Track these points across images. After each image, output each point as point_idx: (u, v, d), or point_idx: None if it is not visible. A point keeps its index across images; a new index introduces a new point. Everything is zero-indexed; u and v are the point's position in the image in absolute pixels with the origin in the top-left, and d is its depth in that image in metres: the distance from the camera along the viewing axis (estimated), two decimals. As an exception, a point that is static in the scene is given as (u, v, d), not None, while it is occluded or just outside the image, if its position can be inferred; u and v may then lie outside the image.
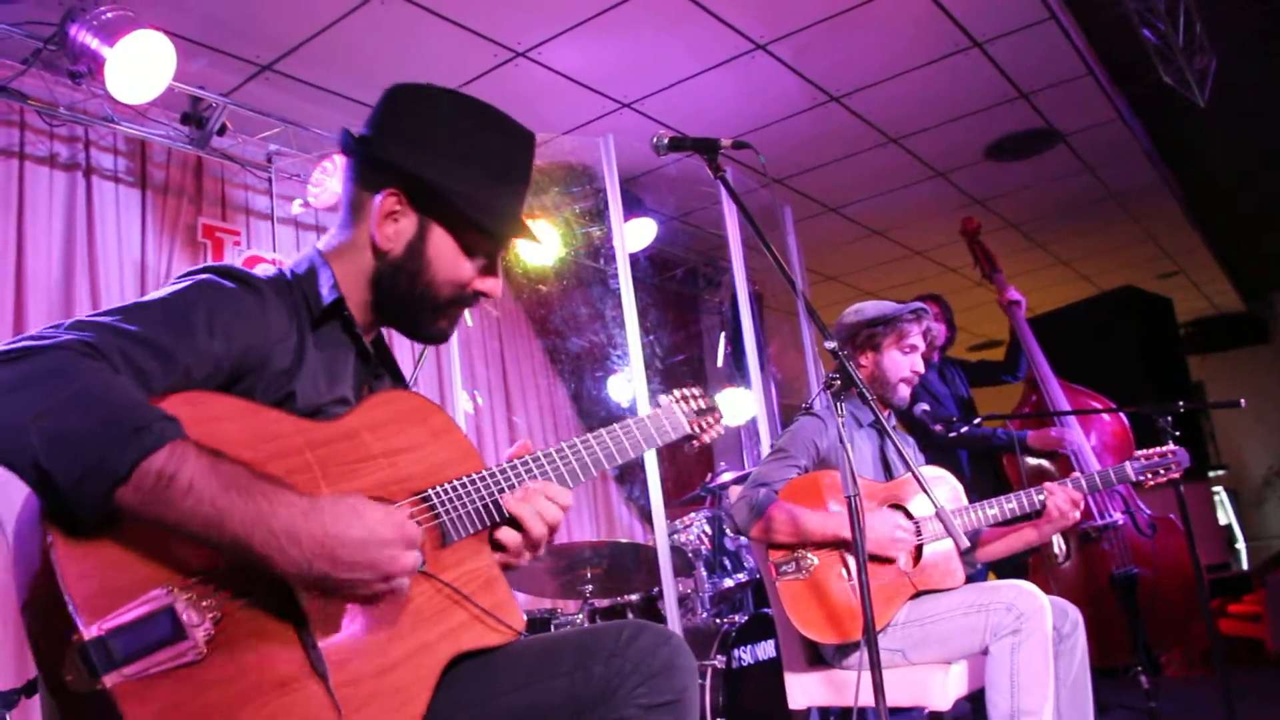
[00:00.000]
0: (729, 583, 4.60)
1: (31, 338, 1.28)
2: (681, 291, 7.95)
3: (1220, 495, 11.22)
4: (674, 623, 3.76)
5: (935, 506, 2.26)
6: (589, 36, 4.75)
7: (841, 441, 2.27)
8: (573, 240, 6.27)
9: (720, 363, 7.04)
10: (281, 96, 4.94)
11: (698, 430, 2.04)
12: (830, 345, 2.31)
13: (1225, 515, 11.22)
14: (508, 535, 1.67)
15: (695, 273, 7.90)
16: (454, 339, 3.84)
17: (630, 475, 6.67)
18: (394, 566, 1.35)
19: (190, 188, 4.98)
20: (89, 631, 1.18)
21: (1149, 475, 3.17)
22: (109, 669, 1.17)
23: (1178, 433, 3.49)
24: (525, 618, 1.72)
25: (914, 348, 3.30)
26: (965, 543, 2.32)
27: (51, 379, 1.22)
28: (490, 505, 1.64)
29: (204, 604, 1.27)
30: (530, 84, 5.11)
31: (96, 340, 1.30)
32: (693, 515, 4.71)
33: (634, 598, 4.47)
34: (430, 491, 1.58)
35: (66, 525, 1.21)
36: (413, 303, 1.69)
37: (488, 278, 1.74)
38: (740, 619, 4.09)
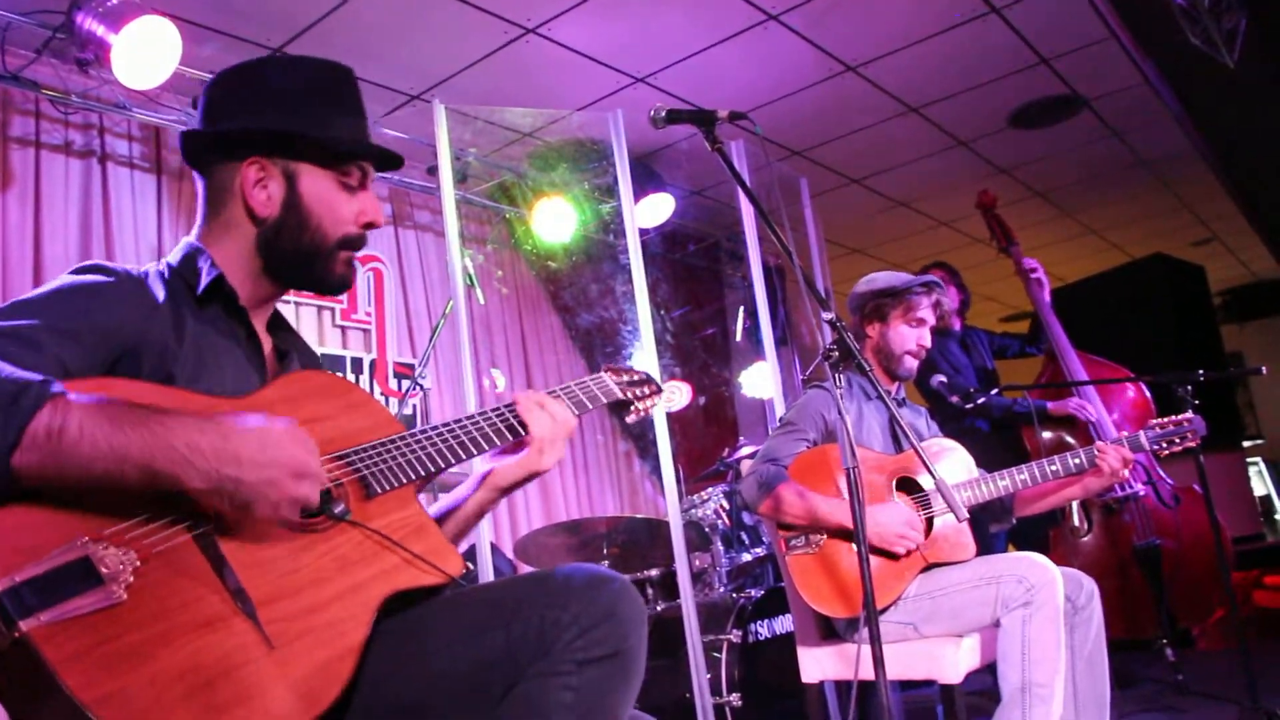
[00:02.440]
0: (747, 557, 4.60)
1: None
2: (706, 266, 7.92)
3: (1259, 466, 11.05)
4: (687, 598, 3.76)
5: (935, 480, 2.23)
6: (600, 11, 4.71)
7: (840, 414, 2.24)
8: (591, 216, 6.26)
9: (739, 337, 7.01)
10: (294, 79, 4.94)
11: (630, 397, 2.08)
12: (828, 316, 2.29)
13: (1264, 486, 11.05)
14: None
15: (718, 247, 7.86)
16: (464, 318, 3.83)
17: (651, 450, 6.67)
18: (298, 459, 1.37)
19: (206, 172, 5.00)
20: (2, 583, 1.18)
21: (1164, 444, 3.12)
22: (24, 615, 1.18)
23: (1197, 402, 3.43)
24: (465, 563, 1.66)
25: (921, 321, 3.26)
26: (964, 515, 2.29)
27: None
28: (415, 460, 1.64)
29: (122, 553, 1.28)
30: (542, 61, 5.07)
31: None
32: (710, 490, 4.71)
33: (653, 573, 4.47)
34: (348, 450, 1.58)
35: None
36: (306, 255, 1.70)
37: (367, 208, 1.73)
38: (757, 593, 4.08)
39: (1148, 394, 4.99)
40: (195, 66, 4.50)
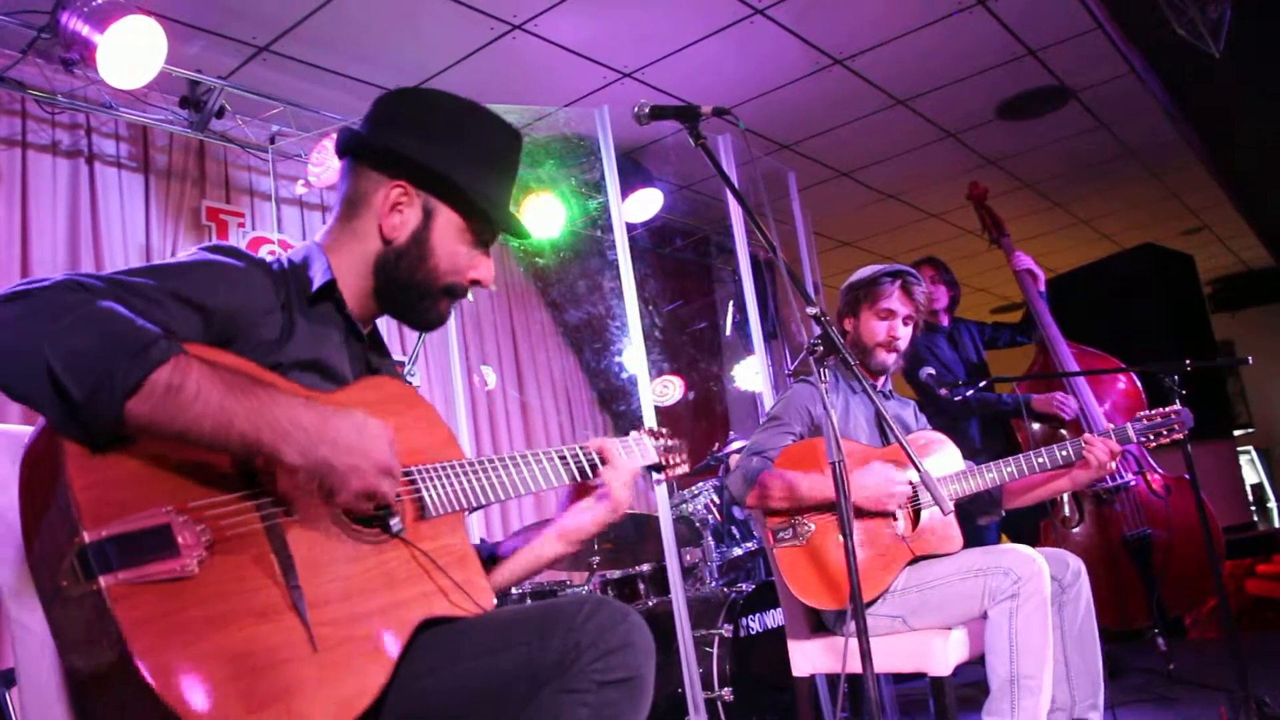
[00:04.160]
0: (738, 552, 4.60)
1: (30, 281, 1.36)
2: (695, 261, 7.92)
3: (1250, 454, 11.08)
4: (678, 593, 3.76)
5: (920, 472, 2.24)
6: (586, 6, 4.70)
7: (825, 408, 2.24)
8: (579, 212, 6.25)
9: (728, 332, 7.01)
10: (280, 77, 4.93)
11: (666, 462, 2.17)
12: (811, 310, 2.29)
13: (1255, 474, 11.08)
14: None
15: (707, 242, 7.86)
16: (452, 317, 3.84)
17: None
18: (385, 458, 1.46)
19: (193, 171, 5.00)
20: (90, 535, 1.24)
21: (1151, 436, 3.12)
22: (105, 571, 1.24)
23: (1184, 391, 3.43)
24: (494, 600, 1.75)
25: (890, 313, 3.22)
26: (949, 507, 2.29)
27: (58, 305, 1.31)
28: (473, 489, 1.74)
29: (200, 529, 1.34)
30: (529, 57, 5.07)
31: (91, 281, 1.39)
32: (700, 485, 4.71)
33: (645, 568, 4.47)
34: (413, 469, 1.67)
35: (78, 441, 1.30)
36: (413, 289, 1.78)
37: (482, 267, 1.83)
38: (748, 588, 4.08)
39: (1138, 384, 5.00)
40: (181, 65, 4.50)
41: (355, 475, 1.43)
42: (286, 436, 1.37)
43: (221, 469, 1.41)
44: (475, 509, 1.78)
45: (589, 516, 1.96)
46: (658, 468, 2.17)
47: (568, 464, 1.91)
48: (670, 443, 2.20)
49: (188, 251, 1.62)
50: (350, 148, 1.80)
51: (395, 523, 1.57)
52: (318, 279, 1.72)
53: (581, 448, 1.96)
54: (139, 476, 1.33)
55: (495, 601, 1.71)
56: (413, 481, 1.65)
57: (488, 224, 1.80)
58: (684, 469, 2.23)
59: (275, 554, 1.42)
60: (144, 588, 1.26)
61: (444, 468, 1.71)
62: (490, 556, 1.99)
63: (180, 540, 1.31)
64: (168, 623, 1.26)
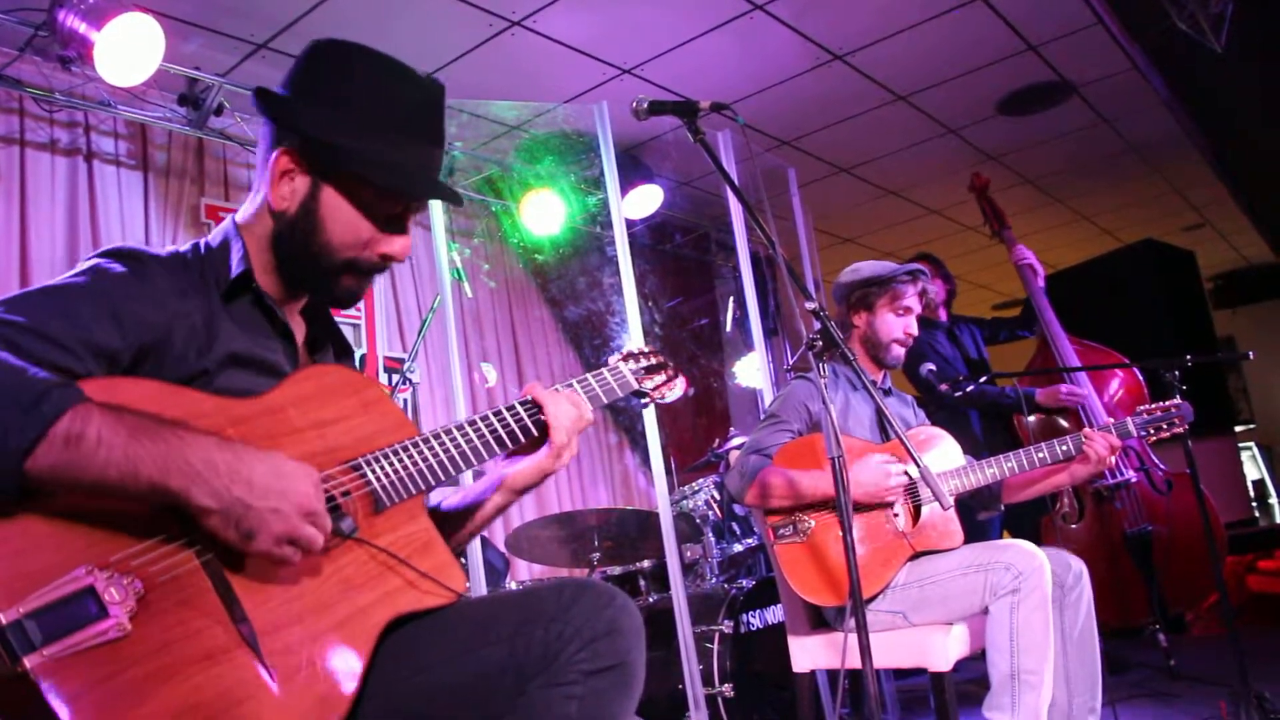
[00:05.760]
0: (738, 548, 4.60)
1: None
2: (695, 257, 7.90)
3: (1252, 450, 11.07)
4: (678, 589, 3.76)
5: (920, 467, 2.23)
6: (585, 2, 4.69)
7: (825, 403, 2.24)
8: (579, 209, 6.25)
9: (729, 328, 7.00)
10: (279, 74, 4.78)
11: (646, 388, 2.02)
12: (811, 306, 2.28)
13: (1257, 470, 11.07)
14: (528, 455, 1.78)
15: (707, 238, 7.85)
16: (451, 313, 3.83)
17: (642, 442, 6.68)
18: (308, 500, 1.35)
19: (192, 169, 5.00)
20: (6, 615, 1.16)
21: (1151, 430, 3.12)
22: (28, 651, 1.16)
23: (1184, 387, 3.42)
24: (467, 580, 1.65)
25: (908, 310, 3.25)
26: (949, 502, 2.29)
27: None
28: (426, 470, 1.60)
29: (126, 581, 1.26)
30: (528, 53, 5.06)
31: None
32: (701, 481, 4.71)
33: (645, 565, 4.47)
34: (360, 460, 1.54)
35: None
36: (309, 264, 1.63)
37: (393, 239, 1.65)
38: (748, 584, 4.08)
39: (1140, 378, 4.99)
40: (179, 63, 4.49)
41: (275, 517, 1.32)
42: (199, 477, 1.28)
43: (141, 513, 1.31)
44: (432, 489, 1.65)
45: (532, 462, 1.77)
46: (639, 394, 2.01)
47: (513, 431, 1.73)
48: (651, 362, 2.03)
49: (84, 264, 1.50)
50: (258, 108, 1.65)
51: (347, 524, 1.47)
52: (233, 268, 1.61)
53: (520, 403, 1.75)
54: (52, 539, 1.24)
55: (467, 581, 1.62)
56: (361, 475, 1.53)
57: (389, 192, 1.61)
58: (673, 391, 2.06)
59: (216, 590, 1.33)
60: (75, 658, 1.19)
61: (391, 451, 1.57)
62: (433, 511, 1.84)
63: (107, 598, 1.23)
64: (107, 690, 1.19)
